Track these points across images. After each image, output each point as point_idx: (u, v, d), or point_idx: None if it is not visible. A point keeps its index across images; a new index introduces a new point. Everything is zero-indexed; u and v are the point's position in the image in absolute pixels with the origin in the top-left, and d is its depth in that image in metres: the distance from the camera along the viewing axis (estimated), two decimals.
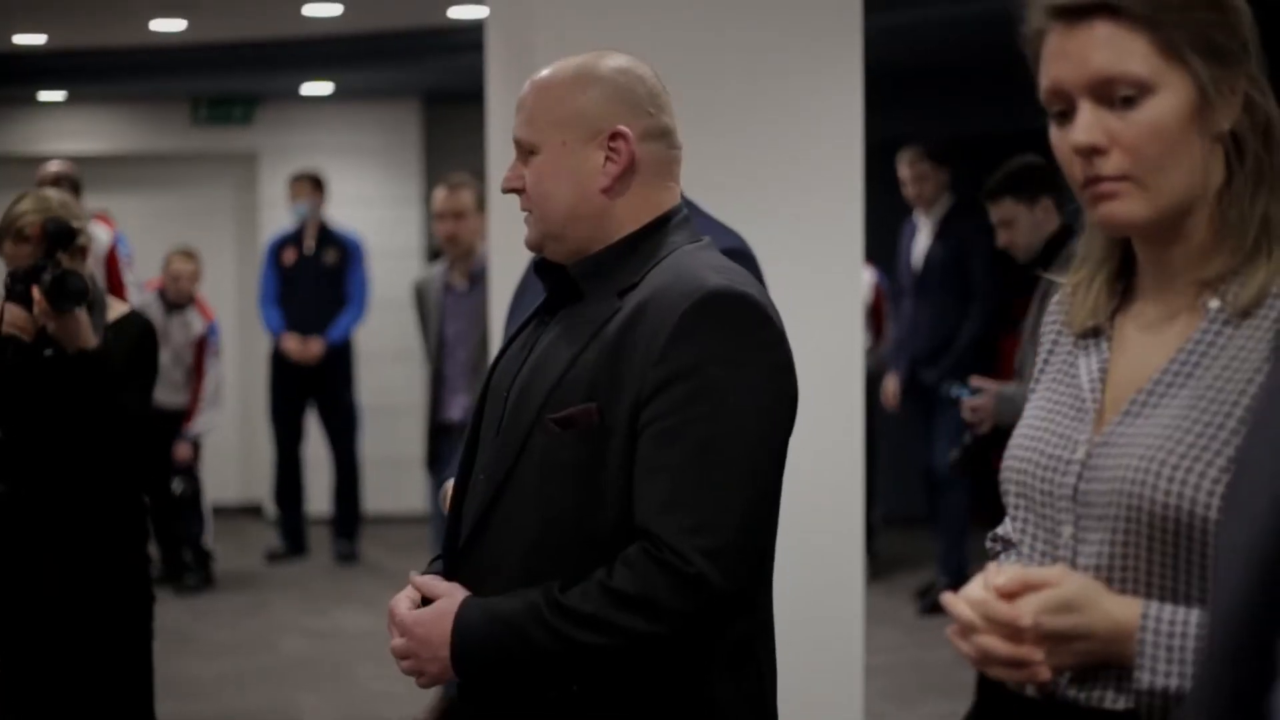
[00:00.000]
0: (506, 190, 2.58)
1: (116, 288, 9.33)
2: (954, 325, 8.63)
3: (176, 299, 9.57)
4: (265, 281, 10.40)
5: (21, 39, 10.34)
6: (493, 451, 2.53)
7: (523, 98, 2.57)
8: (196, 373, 9.54)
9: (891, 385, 8.92)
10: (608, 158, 2.51)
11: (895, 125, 9.00)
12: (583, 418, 2.41)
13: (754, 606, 2.49)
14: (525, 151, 2.55)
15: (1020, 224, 6.05)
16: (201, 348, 9.55)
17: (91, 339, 4.19)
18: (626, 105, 2.52)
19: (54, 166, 8.87)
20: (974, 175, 11.02)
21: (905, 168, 8.76)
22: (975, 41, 9.69)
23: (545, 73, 2.57)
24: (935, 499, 8.85)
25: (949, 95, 10.65)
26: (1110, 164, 1.95)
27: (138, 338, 4.43)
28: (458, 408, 6.79)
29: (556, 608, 2.35)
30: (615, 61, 2.56)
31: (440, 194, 7.03)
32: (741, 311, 2.40)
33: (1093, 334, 2.09)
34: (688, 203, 2.72)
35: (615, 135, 2.50)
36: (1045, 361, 2.17)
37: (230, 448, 12.10)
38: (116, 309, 4.47)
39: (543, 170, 2.52)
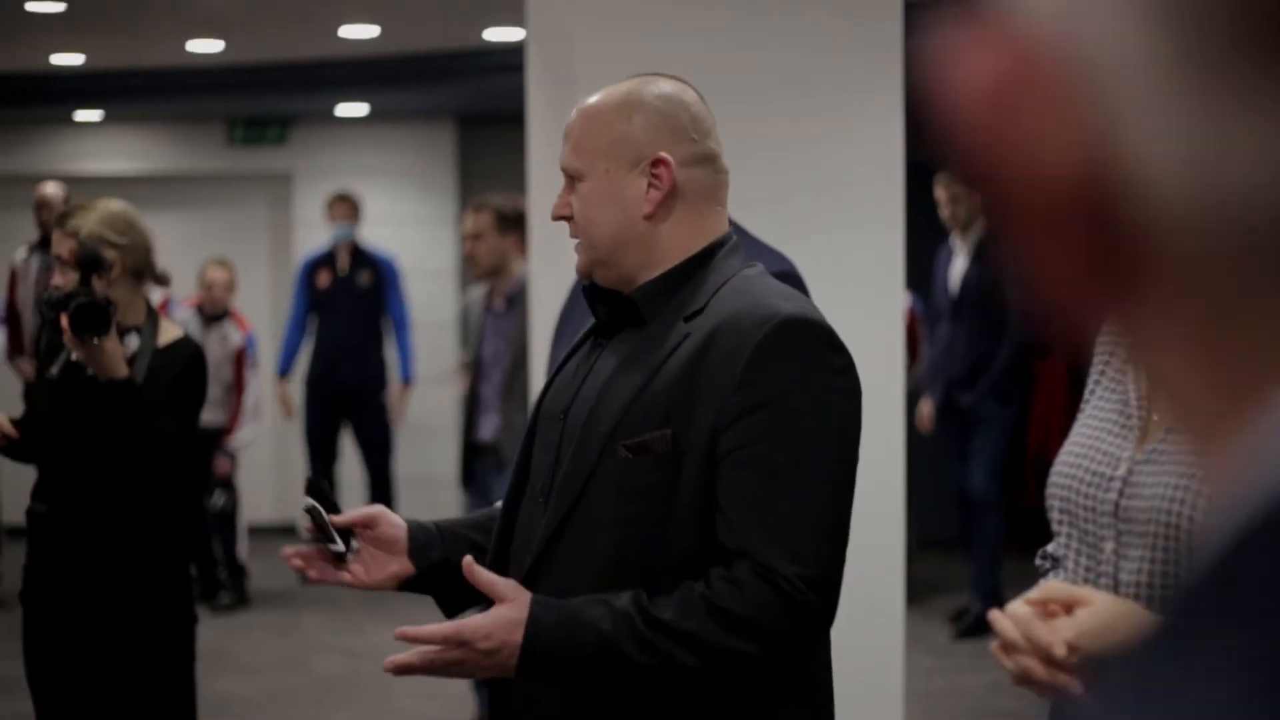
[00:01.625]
0: (556, 218, 2.61)
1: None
2: (991, 348, 8.63)
3: (212, 310, 9.59)
4: (295, 306, 10.42)
5: (59, 59, 10.40)
6: (556, 477, 2.53)
7: (570, 125, 2.60)
8: (236, 386, 9.56)
9: (926, 408, 8.91)
10: (650, 184, 2.53)
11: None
12: (657, 443, 2.42)
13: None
14: (572, 179, 2.58)
15: None
16: (241, 361, 9.57)
17: (121, 368, 4.14)
18: (669, 132, 2.54)
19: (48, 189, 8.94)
20: None
21: (941, 190, 8.76)
22: None
23: (592, 100, 2.59)
24: (970, 522, 8.83)
25: None
26: None
27: (185, 363, 4.40)
28: (489, 427, 6.81)
29: (652, 621, 2.34)
30: (660, 88, 2.58)
31: (466, 215, 7.13)
32: (817, 339, 2.43)
33: None
34: (734, 226, 2.73)
35: (657, 162, 2.53)
36: (1097, 381, 2.18)
37: (265, 466, 12.13)
38: (168, 333, 4.44)
39: (588, 198, 2.55)
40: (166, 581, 4.39)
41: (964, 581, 9.30)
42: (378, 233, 11.37)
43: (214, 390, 9.36)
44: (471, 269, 7.06)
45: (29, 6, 8.43)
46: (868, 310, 4.72)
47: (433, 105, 12.22)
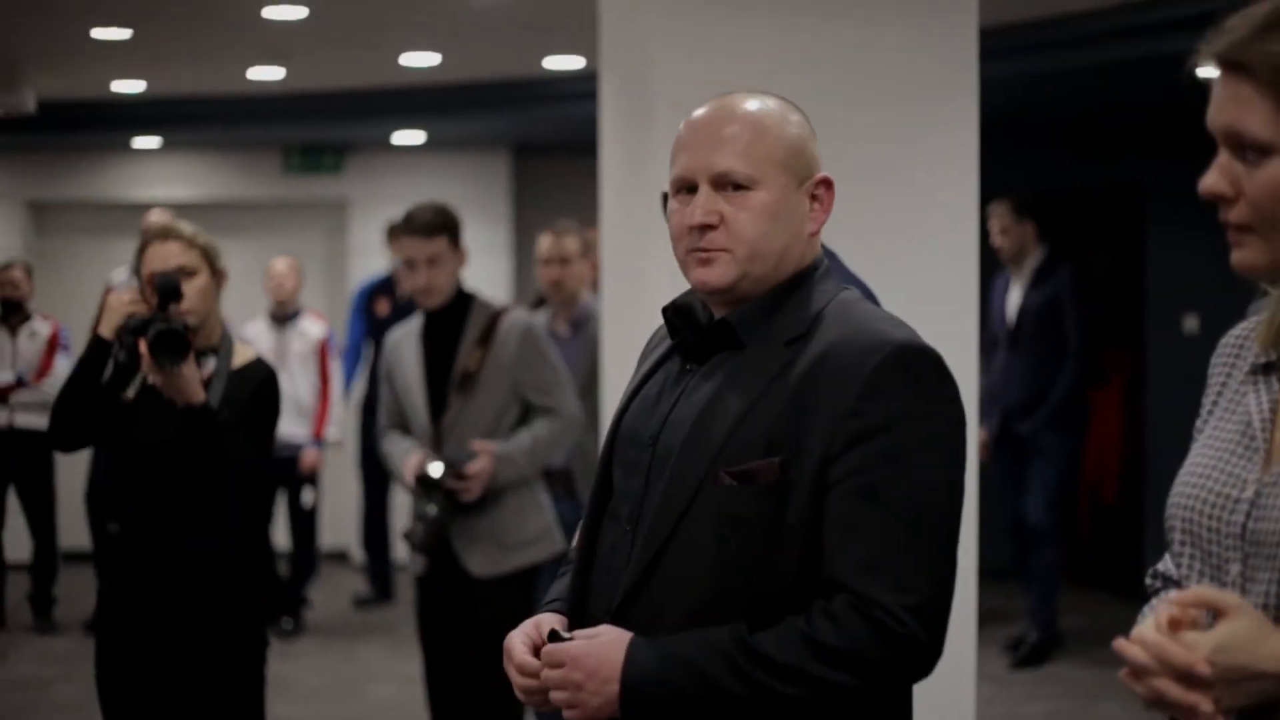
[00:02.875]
0: (699, 226, 2.49)
1: None
2: (1049, 377, 8.64)
3: (282, 310, 9.63)
4: (352, 331, 10.45)
5: (120, 85, 10.47)
6: (646, 504, 2.48)
7: (726, 130, 2.48)
8: (322, 377, 9.60)
9: (982, 437, 8.90)
10: (813, 203, 2.53)
11: (985, 179, 9.05)
12: (764, 472, 2.38)
13: None
14: (732, 186, 2.48)
15: None
16: (324, 353, 9.62)
17: (198, 393, 4.16)
18: (818, 154, 2.55)
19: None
20: (1063, 228, 11.03)
21: (995, 221, 8.77)
22: (1063, 96, 9.71)
23: (748, 109, 2.51)
24: (1026, 552, 8.81)
25: (1036, 149, 10.64)
26: (1235, 213, 1.98)
27: (258, 385, 4.42)
28: (559, 455, 6.77)
29: (751, 654, 2.31)
30: (791, 104, 2.57)
31: (546, 240, 7.04)
32: (928, 367, 2.39)
33: (1263, 370, 2.10)
34: (825, 250, 2.73)
35: (821, 182, 2.53)
36: (1214, 402, 2.17)
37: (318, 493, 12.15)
38: (242, 355, 4.46)
39: (766, 208, 2.48)
40: (240, 605, 4.39)
41: (1018, 611, 9.28)
42: None
43: (304, 390, 9.42)
44: (555, 294, 7.00)
45: (95, 33, 8.49)
46: (941, 336, 4.71)
47: (490, 134, 12.25)
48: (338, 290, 12.68)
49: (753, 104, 2.52)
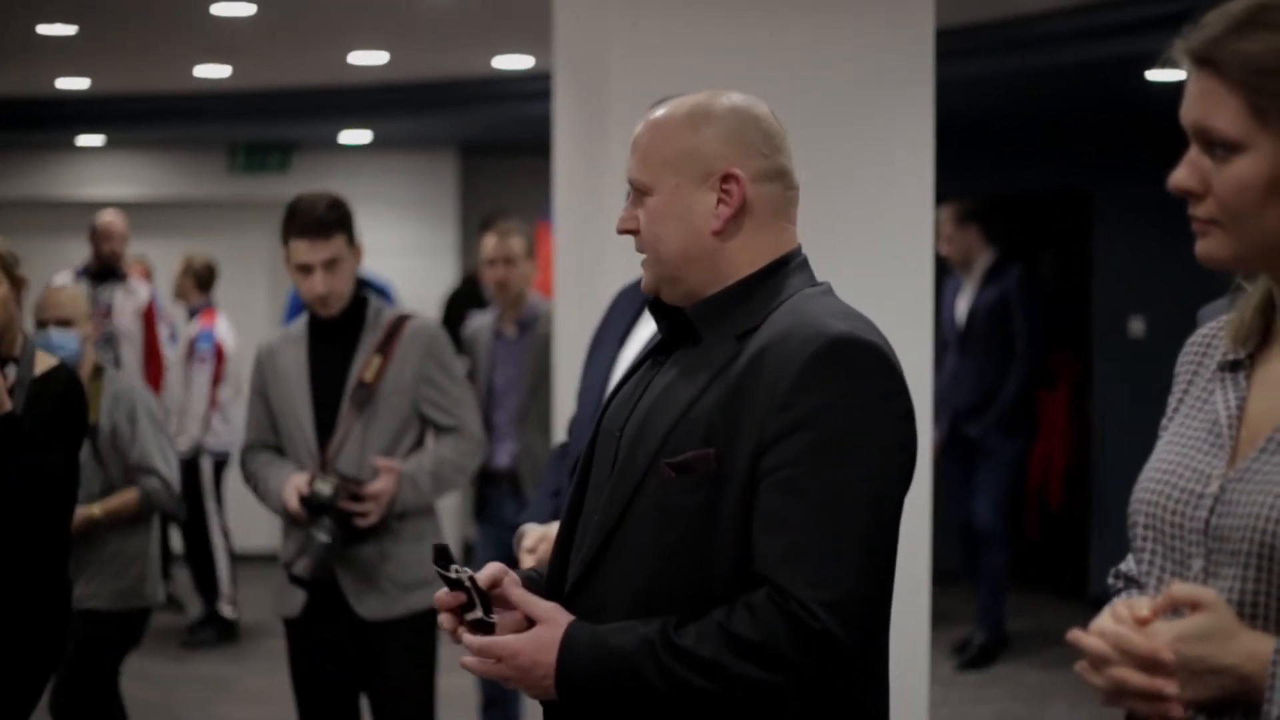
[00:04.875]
0: (621, 232, 2.56)
1: (152, 343, 9.38)
2: (997, 380, 8.67)
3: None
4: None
5: (65, 83, 10.39)
6: (605, 494, 2.49)
7: (637, 137, 2.54)
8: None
9: (933, 439, 8.92)
10: (719, 199, 2.48)
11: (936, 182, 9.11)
12: (700, 463, 2.37)
13: (871, 661, 2.44)
14: (639, 193, 2.52)
15: None
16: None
17: (5, 403, 3.97)
18: (740, 146, 2.49)
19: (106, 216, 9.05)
20: (1012, 232, 11.07)
21: (944, 225, 8.79)
22: (1012, 99, 9.74)
23: (660, 112, 2.53)
24: (974, 555, 8.84)
25: (986, 152, 10.67)
26: (1202, 208, 1.99)
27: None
28: (505, 455, 6.73)
29: (672, 648, 2.31)
30: (730, 100, 2.52)
31: (490, 240, 6.97)
32: (865, 360, 2.36)
33: (1231, 367, 2.10)
34: None
35: (727, 177, 2.47)
36: (1180, 399, 2.17)
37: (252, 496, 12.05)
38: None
39: (656, 212, 2.50)
40: (44, 613, 4.19)
41: (966, 613, 9.31)
42: (379, 261, 11.33)
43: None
44: (500, 294, 6.94)
45: (40, 29, 8.41)
46: (896, 337, 4.70)
47: (437, 133, 12.22)
48: (283, 291, 12.61)
49: (667, 106, 2.54)
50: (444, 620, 2.51)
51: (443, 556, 2.48)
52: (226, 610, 9.49)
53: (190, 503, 9.28)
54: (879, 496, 2.36)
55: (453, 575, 2.46)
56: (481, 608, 2.46)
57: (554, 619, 2.41)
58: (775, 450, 2.33)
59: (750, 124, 2.51)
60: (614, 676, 2.34)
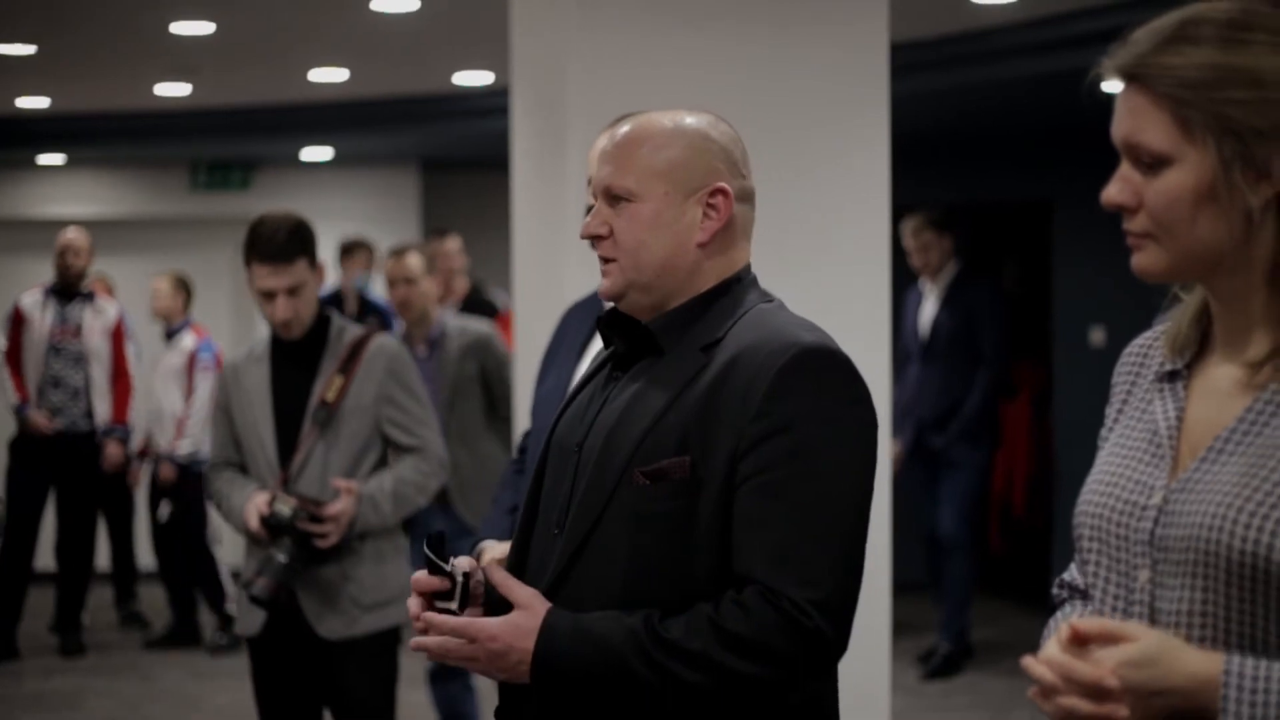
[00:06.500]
0: (588, 236, 2.59)
1: (120, 362, 9.38)
2: (962, 390, 8.68)
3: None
4: None
5: (25, 102, 10.36)
6: (571, 506, 2.52)
7: (618, 145, 2.57)
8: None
9: (896, 450, 8.94)
10: (705, 213, 2.53)
11: (898, 193, 9.14)
12: (675, 470, 2.42)
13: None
14: (616, 199, 2.56)
15: None
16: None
17: None
18: (727, 164, 2.56)
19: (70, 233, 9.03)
20: (978, 243, 11.11)
21: (909, 237, 8.80)
22: (972, 112, 9.79)
23: (639, 123, 2.58)
24: (939, 565, 8.86)
25: (951, 163, 10.72)
26: (1136, 222, 2.02)
27: None
28: None
29: (659, 640, 2.35)
30: (712, 119, 2.59)
31: (388, 263, 6.96)
32: (835, 369, 2.43)
33: (1169, 378, 2.12)
34: None
35: (716, 192, 2.53)
36: (1119, 410, 2.19)
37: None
38: None
39: (643, 219, 2.53)
40: None
41: (931, 622, 9.33)
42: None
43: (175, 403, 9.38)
44: (404, 314, 6.88)
45: (0, 49, 8.41)
46: (853, 347, 4.72)
47: (398, 149, 12.23)
48: (245, 309, 12.59)
49: (642, 120, 2.59)
50: (412, 603, 2.53)
51: (438, 546, 2.52)
52: (231, 608, 9.48)
53: (190, 506, 9.40)
54: (855, 499, 2.42)
55: (448, 568, 2.51)
56: (459, 604, 2.50)
57: (532, 605, 2.44)
58: (753, 455, 2.38)
59: (734, 145, 2.59)
60: (595, 665, 2.38)
